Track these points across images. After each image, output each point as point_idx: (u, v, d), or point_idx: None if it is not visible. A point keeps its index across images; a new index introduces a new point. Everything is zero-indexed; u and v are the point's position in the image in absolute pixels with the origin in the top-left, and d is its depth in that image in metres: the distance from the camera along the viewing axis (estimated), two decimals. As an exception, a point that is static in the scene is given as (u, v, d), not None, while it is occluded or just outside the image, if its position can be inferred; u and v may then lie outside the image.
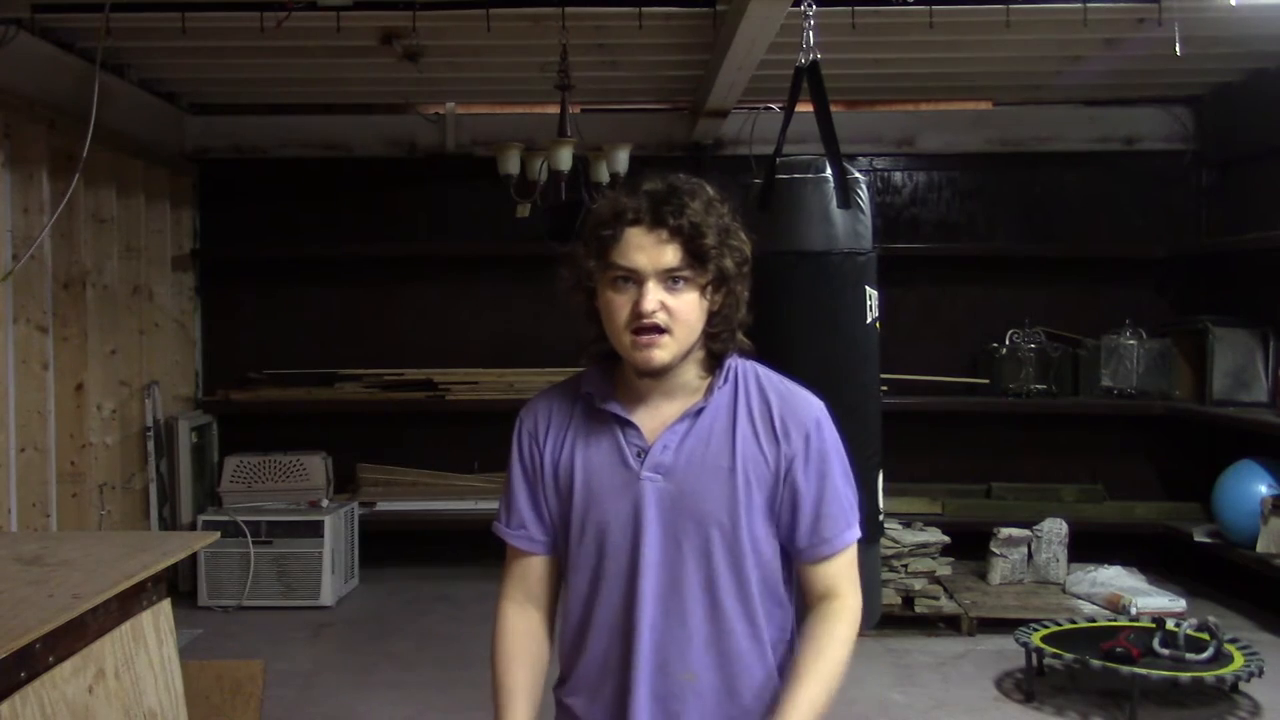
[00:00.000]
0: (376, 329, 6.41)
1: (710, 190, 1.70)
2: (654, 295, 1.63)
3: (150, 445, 5.64)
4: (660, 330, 1.64)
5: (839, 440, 1.75)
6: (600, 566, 1.72)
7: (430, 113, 6.36)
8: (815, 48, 2.99)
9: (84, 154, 4.47)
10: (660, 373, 1.68)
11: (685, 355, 1.69)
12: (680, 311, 1.64)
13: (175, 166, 6.10)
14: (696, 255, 1.63)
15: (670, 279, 1.64)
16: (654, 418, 1.71)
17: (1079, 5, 4.41)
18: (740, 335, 1.74)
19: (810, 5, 3.00)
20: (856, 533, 1.74)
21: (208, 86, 6.06)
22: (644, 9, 4.47)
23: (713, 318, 1.69)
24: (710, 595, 1.69)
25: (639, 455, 1.70)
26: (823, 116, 2.97)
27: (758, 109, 6.03)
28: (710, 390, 1.72)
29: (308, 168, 6.39)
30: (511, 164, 4.63)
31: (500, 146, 4.68)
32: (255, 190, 6.42)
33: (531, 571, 1.82)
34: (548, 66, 4.57)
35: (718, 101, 5.42)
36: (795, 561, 1.75)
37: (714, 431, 1.70)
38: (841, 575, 1.75)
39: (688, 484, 1.68)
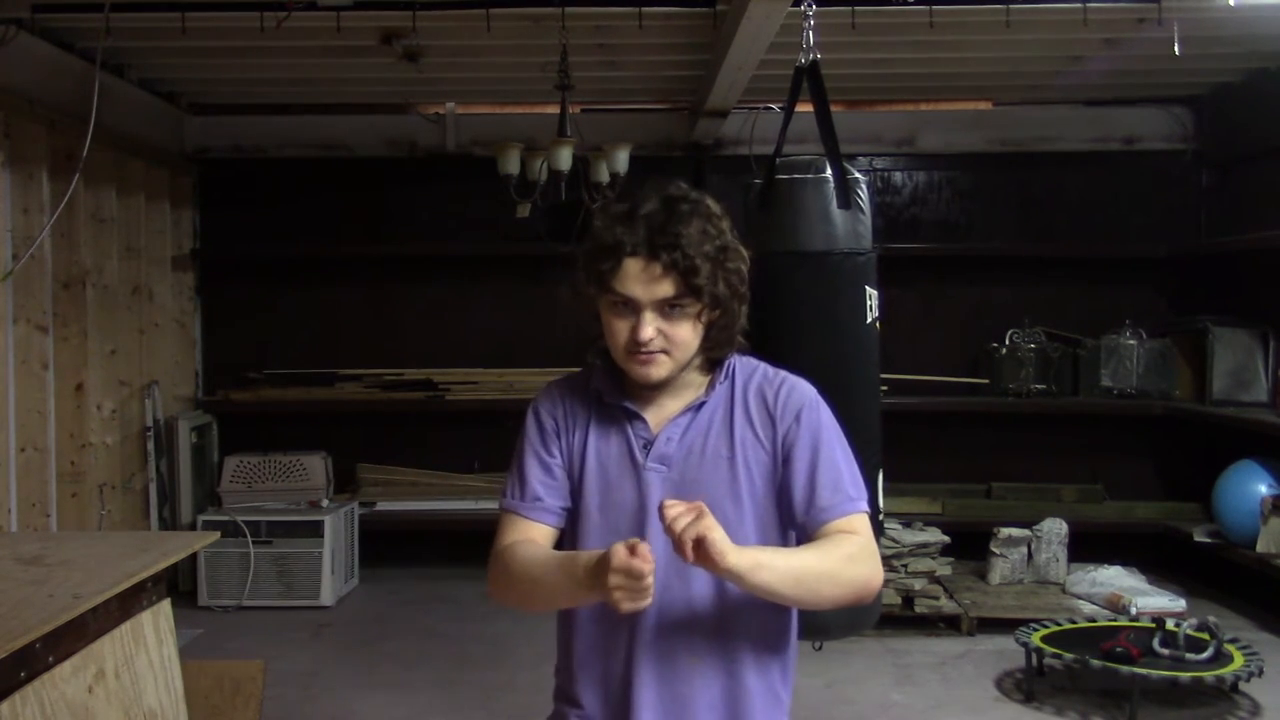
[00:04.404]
0: (376, 329, 6.41)
1: (710, 205, 1.75)
2: (651, 324, 1.70)
3: (150, 445, 5.64)
4: (656, 352, 1.72)
5: (835, 423, 1.80)
6: None
7: (430, 113, 6.36)
8: (815, 48, 3.00)
9: (84, 154, 4.47)
10: (659, 386, 1.77)
11: (684, 368, 1.77)
12: (676, 336, 1.72)
13: (175, 166, 6.10)
14: (691, 287, 1.69)
15: (666, 306, 1.71)
16: (659, 412, 1.80)
17: (1079, 5, 4.41)
18: (737, 340, 1.81)
19: (810, 5, 3.00)
20: (863, 506, 1.75)
21: (208, 86, 6.06)
22: (644, 9, 4.47)
23: (709, 333, 1.76)
24: (715, 582, 1.72)
25: (645, 447, 1.78)
26: (822, 116, 2.97)
27: (758, 109, 6.03)
28: (712, 386, 1.80)
29: (308, 168, 6.39)
30: (511, 164, 4.63)
31: (500, 146, 4.68)
32: (255, 190, 6.42)
33: (538, 538, 1.81)
34: (548, 66, 4.57)
35: (718, 101, 5.42)
36: (807, 529, 1.75)
37: (714, 423, 1.78)
38: (856, 529, 1.73)
39: (690, 473, 1.75)
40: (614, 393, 1.81)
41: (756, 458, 1.76)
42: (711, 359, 1.80)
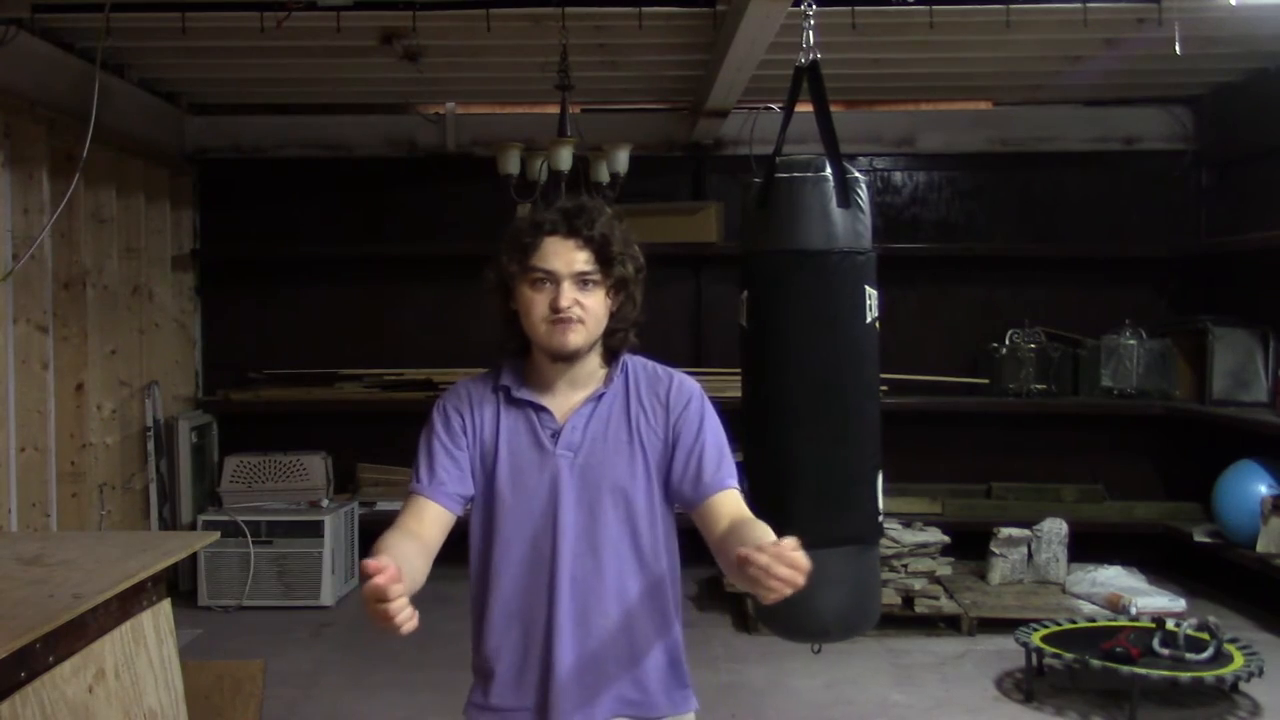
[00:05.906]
0: (376, 329, 6.41)
1: (610, 211, 2.01)
2: (569, 293, 1.92)
3: (150, 445, 5.64)
4: (574, 320, 1.92)
5: (716, 416, 2.03)
6: (522, 533, 1.97)
7: (430, 113, 6.36)
8: (815, 47, 2.99)
9: (84, 154, 4.47)
10: (572, 356, 1.96)
11: (592, 345, 1.98)
12: (591, 307, 1.94)
13: (175, 166, 6.10)
14: (604, 260, 1.94)
15: (581, 280, 1.93)
16: (563, 403, 2.00)
17: (1079, 5, 4.42)
18: (632, 335, 2.04)
19: (810, 5, 3.00)
20: (736, 483, 1.99)
21: (208, 86, 6.06)
22: (644, 9, 4.48)
23: (613, 317, 1.99)
24: (617, 549, 1.96)
25: (553, 436, 1.98)
26: (822, 116, 2.97)
27: (758, 109, 6.03)
28: (609, 379, 2.01)
29: (308, 168, 6.40)
30: (511, 164, 4.64)
31: (500, 146, 4.68)
32: (255, 190, 6.42)
33: (431, 518, 1.96)
34: (548, 66, 4.57)
35: (718, 101, 5.42)
36: (693, 501, 1.97)
37: (613, 412, 2.00)
38: (744, 507, 1.96)
39: (594, 458, 1.97)
40: (521, 387, 2.01)
41: (651, 443, 1.98)
42: (610, 348, 2.01)
